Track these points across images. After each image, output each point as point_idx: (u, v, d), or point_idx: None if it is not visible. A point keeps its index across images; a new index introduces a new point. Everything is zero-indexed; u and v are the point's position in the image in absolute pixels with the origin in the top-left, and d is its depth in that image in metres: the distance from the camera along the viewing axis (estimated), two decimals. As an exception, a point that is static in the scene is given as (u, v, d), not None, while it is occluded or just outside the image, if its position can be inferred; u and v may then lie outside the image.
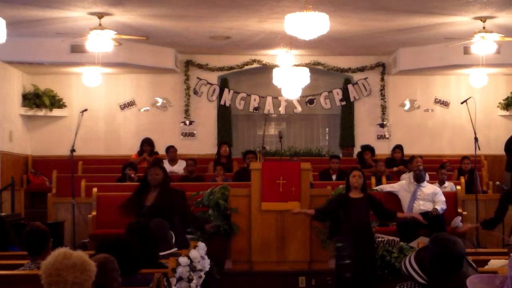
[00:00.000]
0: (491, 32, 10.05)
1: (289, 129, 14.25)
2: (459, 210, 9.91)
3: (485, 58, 11.23)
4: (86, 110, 10.42)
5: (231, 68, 13.62)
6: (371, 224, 7.63)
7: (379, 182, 10.76)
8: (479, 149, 9.59)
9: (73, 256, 3.08)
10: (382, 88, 13.75)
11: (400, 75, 13.55)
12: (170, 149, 11.99)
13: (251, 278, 8.15)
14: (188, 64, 13.55)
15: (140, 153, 12.36)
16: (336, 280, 7.52)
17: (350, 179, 7.61)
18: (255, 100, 13.57)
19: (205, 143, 13.59)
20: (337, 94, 13.78)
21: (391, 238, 8.20)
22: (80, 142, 11.89)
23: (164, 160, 11.43)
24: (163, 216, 6.47)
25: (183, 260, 5.40)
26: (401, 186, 9.85)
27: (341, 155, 13.24)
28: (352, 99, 13.77)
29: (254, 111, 13.30)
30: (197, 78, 13.62)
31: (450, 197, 9.88)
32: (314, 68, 13.34)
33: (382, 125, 13.78)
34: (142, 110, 13.60)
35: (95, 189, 9.89)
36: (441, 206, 9.35)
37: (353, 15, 10.03)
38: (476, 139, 9.56)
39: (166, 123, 13.59)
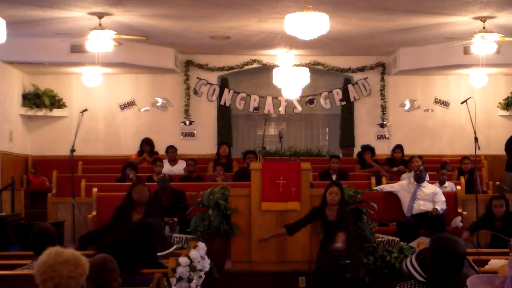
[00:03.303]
0: (491, 32, 10.05)
1: (289, 129, 14.25)
2: (459, 210, 9.92)
3: (485, 58, 11.22)
4: (86, 110, 10.42)
5: (231, 68, 13.61)
6: (348, 254, 7.19)
7: (379, 182, 10.75)
8: (479, 149, 9.59)
9: (65, 252, 3.11)
10: (382, 88, 13.75)
11: (400, 75, 13.55)
12: (170, 149, 11.98)
13: (251, 278, 8.14)
14: (188, 64, 13.55)
15: (140, 153, 12.36)
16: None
17: (326, 195, 7.48)
18: (255, 100, 13.57)
19: (205, 143, 13.59)
20: (337, 94, 13.77)
21: (391, 238, 8.21)
22: (80, 142, 11.89)
23: (164, 160, 11.43)
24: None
25: (183, 260, 5.41)
26: (401, 186, 9.84)
27: (341, 155, 13.24)
28: (352, 99, 13.77)
29: (254, 111, 13.29)
30: (197, 78, 13.62)
31: (450, 197, 9.88)
32: (314, 68, 13.33)
33: (382, 125, 13.78)
34: (142, 110, 13.60)
35: (95, 189, 9.90)
36: (441, 206, 9.35)
37: (353, 15, 10.03)
38: (476, 139, 9.56)
39: (166, 123, 13.58)
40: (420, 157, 11.21)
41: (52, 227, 5.22)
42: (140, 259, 4.32)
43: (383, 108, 13.76)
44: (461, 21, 10.26)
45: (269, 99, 13.58)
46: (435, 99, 13.83)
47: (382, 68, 13.74)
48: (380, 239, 8.05)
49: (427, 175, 9.97)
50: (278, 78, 11.53)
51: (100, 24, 9.88)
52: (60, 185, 11.10)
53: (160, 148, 12.41)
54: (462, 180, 10.69)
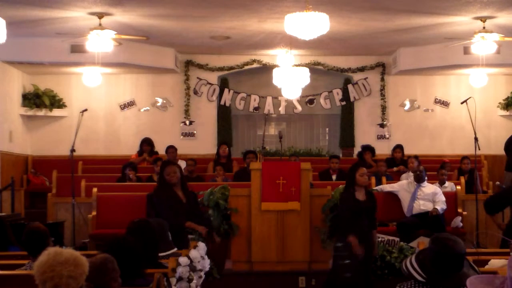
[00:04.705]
0: (491, 32, 10.05)
1: (289, 129, 14.25)
2: (459, 210, 9.92)
3: (485, 58, 11.23)
4: (86, 110, 10.41)
5: (231, 68, 13.62)
6: (348, 254, 7.29)
7: (379, 182, 10.75)
8: (479, 149, 9.59)
9: (65, 252, 3.12)
10: (382, 88, 13.76)
11: (400, 75, 13.55)
12: (170, 149, 11.97)
13: (251, 278, 8.14)
14: (188, 64, 13.55)
15: (140, 153, 12.35)
16: (331, 280, 7.49)
17: (357, 178, 7.33)
18: (255, 100, 13.57)
19: (205, 143, 13.59)
20: (337, 94, 13.78)
21: (391, 238, 8.20)
22: (80, 142, 11.89)
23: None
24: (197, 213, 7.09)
25: (183, 260, 5.40)
26: (401, 186, 9.84)
27: (341, 155, 13.24)
28: (352, 99, 13.77)
29: (254, 111, 13.29)
30: (197, 78, 13.62)
31: (450, 197, 9.88)
32: (314, 68, 13.33)
33: (382, 125, 13.78)
34: (142, 110, 13.61)
35: (95, 189, 9.89)
36: (441, 206, 9.36)
37: (353, 15, 10.03)
38: (476, 139, 9.56)
39: (166, 123, 13.59)
40: (416, 157, 11.18)
41: (43, 226, 5.19)
42: (142, 260, 4.31)
43: (383, 108, 13.76)
44: (461, 21, 10.26)
45: (269, 99, 13.58)
46: (435, 99, 13.83)
47: (382, 68, 13.75)
48: (380, 239, 8.04)
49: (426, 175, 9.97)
50: (278, 78, 11.52)
51: (100, 24, 9.88)
52: (60, 185, 11.09)
53: (160, 148, 12.40)
54: (462, 180, 10.69)
